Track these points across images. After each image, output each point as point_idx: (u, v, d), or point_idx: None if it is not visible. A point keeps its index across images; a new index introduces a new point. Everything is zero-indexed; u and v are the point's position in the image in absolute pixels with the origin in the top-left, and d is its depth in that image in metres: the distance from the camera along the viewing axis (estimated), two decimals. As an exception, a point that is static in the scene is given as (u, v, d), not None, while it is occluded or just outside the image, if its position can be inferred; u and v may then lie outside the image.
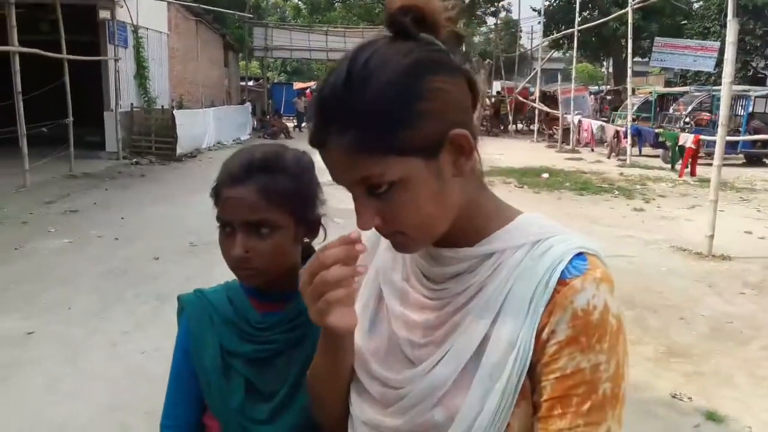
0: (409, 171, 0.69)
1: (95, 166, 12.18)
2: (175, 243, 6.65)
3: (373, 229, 0.94)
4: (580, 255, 0.73)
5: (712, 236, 6.62)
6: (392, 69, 0.68)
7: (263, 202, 1.06)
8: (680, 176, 12.43)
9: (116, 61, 13.66)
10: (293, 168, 1.12)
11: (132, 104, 14.60)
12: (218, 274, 4.83)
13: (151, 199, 9.27)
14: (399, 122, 0.68)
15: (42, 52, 10.24)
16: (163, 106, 15.59)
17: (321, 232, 1.19)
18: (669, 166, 14.29)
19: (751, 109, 16.65)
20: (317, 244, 1.24)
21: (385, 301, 0.88)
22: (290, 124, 25.03)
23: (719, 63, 22.61)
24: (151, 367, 3.74)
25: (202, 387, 1.15)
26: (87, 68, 12.92)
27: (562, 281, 0.72)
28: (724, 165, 7.35)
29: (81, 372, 3.69)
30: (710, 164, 12.39)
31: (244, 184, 1.07)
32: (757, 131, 15.64)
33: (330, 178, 0.76)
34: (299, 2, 41.55)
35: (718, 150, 6.91)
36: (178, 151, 14.47)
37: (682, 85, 26.57)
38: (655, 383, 3.70)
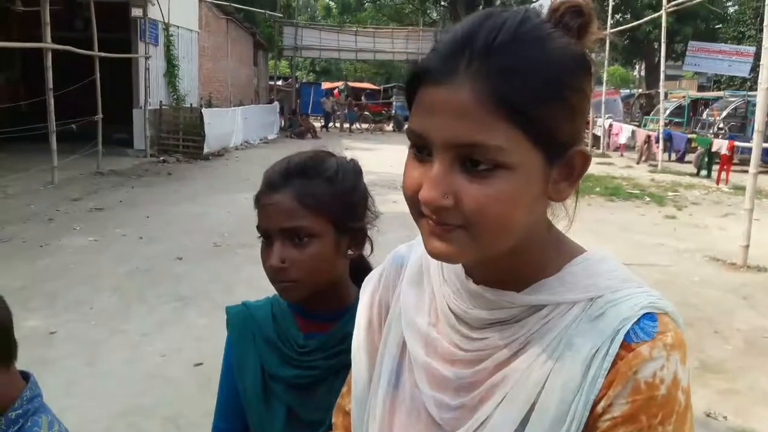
0: (527, 161, 0.58)
1: (123, 163, 12.32)
2: (199, 243, 6.66)
3: (396, 257, 0.84)
4: (648, 314, 0.62)
5: (747, 246, 6.40)
6: (562, 45, 0.60)
7: (299, 208, 1.01)
8: (717, 183, 12.11)
9: (147, 58, 13.81)
10: (333, 173, 1.06)
11: (161, 102, 14.75)
12: (245, 275, 4.81)
13: (177, 197, 9.32)
14: (551, 95, 0.58)
15: (74, 49, 10.37)
16: (191, 105, 15.73)
17: (368, 245, 1.11)
18: (703, 172, 13.93)
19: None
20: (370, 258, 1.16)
21: (407, 349, 0.75)
22: (317, 124, 25.10)
23: (754, 68, 22.15)
24: (170, 370, 3.72)
25: (244, 405, 1.12)
26: (117, 65, 13.10)
27: (626, 345, 0.61)
28: (759, 172, 7.10)
29: (100, 374, 3.67)
30: (743, 171, 12.19)
31: (280, 190, 1.03)
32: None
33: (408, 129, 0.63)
34: (330, 2, 41.71)
35: (755, 157, 6.68)
36: (206, 149, 14.58)
37: (716, 90, 26.03)
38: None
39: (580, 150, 0.62)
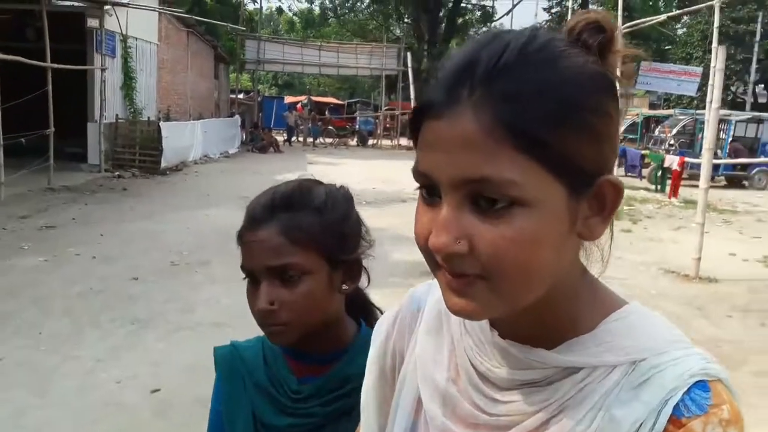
0: (547, 194, 0.51)
1: (75, 179, 11.95)
2: (156, 262, 6.48)
3: (413, 300, 0.76)
4: (700, 382, 0.54)
5: (699, 259, 6.63)
6: (578, 64, 0.54)
7: (286, 244, 0.93)
8: (669, 197, 12.52)
9: (103, 70, 13.50)
10: (322, 203, 0.98)
11: (117, 115, 14.40)
12: (205, 295, 4.69)
13: (133, 214, 9.08)
14: (567, 119, 0.51)
15: (24, 60, 10.06)
16: (149, 118, 15.42)
17: (364, 276, 1.04)
18: (656, 186, 14.40)
19: (732, 132, 16.85)
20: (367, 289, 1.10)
21: (423, 407, 0.66)
22: (280, 138, 24.94)
23: (701, 87, 23.08)
24: (126, 397, 3.59)
25: None
26: (72, 77, 12.73)
27: (675, 420, 0.53)
28: (709, 187, 7.38)
29: (51, 403, 3.51)
30: (693, 186, 12.63)
31: (265, 225, 0.95)
32: (736, 154, 15.86)
33: (416, 167, 0.56)
34: (293, 16, 41.68)
35: (705, 173, 6.93)
36: (163, 164, 14.28)
37: (665, 108, 26.99)
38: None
39: (609, 180, 0.55)
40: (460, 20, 31.65)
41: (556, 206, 0.52)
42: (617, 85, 0.58)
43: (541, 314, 0.58)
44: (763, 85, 32.52)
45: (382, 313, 1.10)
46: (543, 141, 0.50)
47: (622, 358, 0.57)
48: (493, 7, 32.87)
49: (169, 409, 3.53)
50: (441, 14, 30.07)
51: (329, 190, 1.02)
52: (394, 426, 0.69)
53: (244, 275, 0.98)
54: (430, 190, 0.55)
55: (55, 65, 11.36)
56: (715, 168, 14.72)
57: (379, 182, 13.12)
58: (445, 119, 0.52)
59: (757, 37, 27.05)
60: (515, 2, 28.38)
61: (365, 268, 1.04)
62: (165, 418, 3.45)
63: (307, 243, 0.94)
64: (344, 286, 1.01)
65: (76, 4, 13.17)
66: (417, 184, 0.56)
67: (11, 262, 6.21)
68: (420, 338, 0.70)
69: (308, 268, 0.94)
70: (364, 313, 1.10)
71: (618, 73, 0.58)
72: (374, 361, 0.76)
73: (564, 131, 0.51)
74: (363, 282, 1.05)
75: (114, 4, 13.37)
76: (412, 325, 0.73)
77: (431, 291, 0.73)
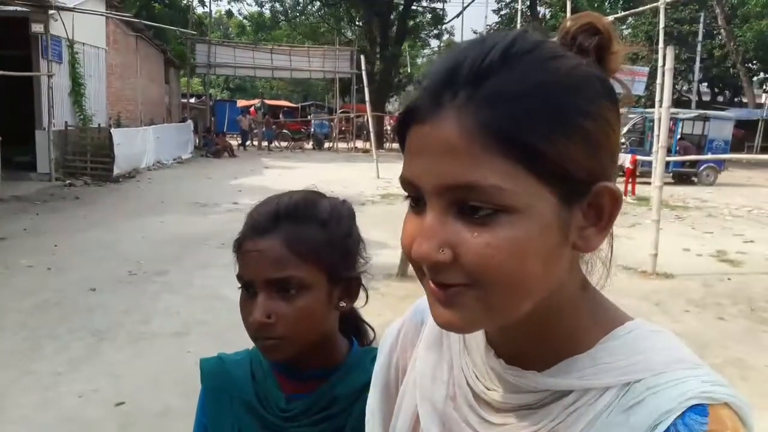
0: (535, 201, 0.49)
1: (25, 188, 11.52)
2: (112, 271, 6.29)
3: (416, 312, 0.74)
4: (698, 406, 0.50)
5: (655, 255, 6.81)
6: (569, 66, 0.51)
7: (290, 256, 0.90)
8: (624, 195, 12.87)
9: (50, 77, 13.04)
10: (327, 216, 0.95)
11: (66, 122, 13.95)
12: (163, 305, 4.60)
13: (87, 224, 8.79)
14: (556, 123, 0.49)
15: (-33, 68, 9.65)
16: (99, 125, 15.00)
17: (362, 294, 1.02)
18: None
19: (680, 130, 17.48)
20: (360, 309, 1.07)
21: (421, 426, 0.65)
22: (234, 143, 24.61)
23: (648, 86, 23.85)
24: (89, 412, 3.46)
25: None
26: (17, 84, 12.28)
27: None
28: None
29: (9, 420, 3.36)
30: (644, 183, 13.05)
31: (268, 235, 0.91)
32: (686, 151, 16.46)
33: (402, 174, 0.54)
34: (243, 20, 41.21)
35: (659, 171, 7.15)
36: (116, 171, 13.91)
37: (616, 107, 27.86)
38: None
39: (607, 187, 0.52)
40: (411, 23, 31.88)
41: (545, 214, 0.50)
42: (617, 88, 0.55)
43: (537, 330, 0.56)
44: (706, 84, 33.90)
45: (374, 332, 1.11)
46: (530, 146, 0.48)
47: (615, 379, 0.54)
48: (443, 9, 33.20)
49: (134, 422, 3.42)
50: (392, 17, 30.23)
51: (334, 204, 0.99)
52: None
53: (239, 285, 0.94)
54: (416, 198, 0.53)
55: (0, 72, 10.93)
56: (665, 165, 15.24)
57: (338, 185, 13.06)
58: (428, 124, 0.50)
59: (700, 37, 28.18)
60: (465, 4, 28.75)
61: (364, 287, 1.01)
62: (130, 431, 3.35)
63: (310, 257, 0.91)
64: (342, 303, 0.98)
65: (19, 8, 12.70)
66: (405, 193, 0.54)
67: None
68: (420, 354, 0.68)
69: (309, 282, 0.91)
70: (357, 331, 1.09)
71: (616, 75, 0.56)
72: (379, 374, 0.74)
73: (553, 136, 0.49)
74: (360, 301, 1.03)
75: (59, 9, 12.95)
76: (414, 339, 0.72)
77: None
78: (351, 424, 0.94)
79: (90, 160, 13.81)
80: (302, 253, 0.91)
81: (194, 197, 11.40)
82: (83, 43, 14.92)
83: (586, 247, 0.54)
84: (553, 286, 0.53)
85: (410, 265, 0.56)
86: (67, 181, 12.89)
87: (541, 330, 0.56)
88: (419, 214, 0.53)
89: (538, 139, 0.48)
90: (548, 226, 0.50)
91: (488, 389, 0.60)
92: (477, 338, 0.63)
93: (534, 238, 0.49)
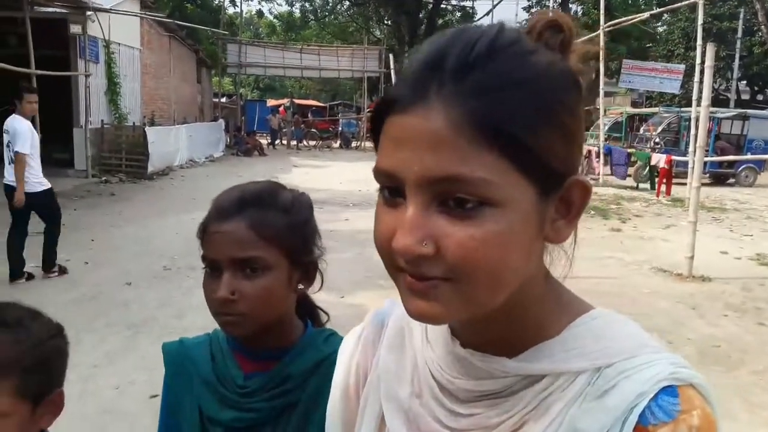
0: (518, 194, 0.49)
1: (63, 184, 11.77)
2: (147, 267, 6.42)
3: (377, 316, 0.74)
4: (669, 388, 0.51)
5: (692, 257, 6.65)
6: (549, 61, 0.52)
7: (254, 238, 0.97)
8: (657, 196, 12.64)
9: (87, 76, 13.35)
10: (289, 204, 1.03)
11: (102, 121, 14.27)
12: (197, 299, 4.62)
13: (122, 220, 8.98)
14: (540, 117, 0.49)
15: (9, 67, 9.90)
16: (134, 123, 15.30)
17: (318, 280, 1.09)
18: (643, 185, 14.52)
19: (717, 130, 17.07)
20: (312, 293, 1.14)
21: (387, 426, 0.64)
22: (263, 142, 24.85)
23: (684, 85, 23.34)
24: (125, 404, 3.53)
25: None
26: (56, 84, 12.58)
27: (641, 428, 0.50)
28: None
29: (49, 411, 3.45)
30: (679, 184, 12.78)
31: (233, 218, 0.98)
32: (723, 152, 16.07)
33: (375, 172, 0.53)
34: (274, 19, 41.57)
35: (697, 171, 6.99)
36: (150, 169, 14.17)
37: (647, 106, 27.26)
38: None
39: (579, 180, 0.53)
40: (440, 21, 31.80)
41: (526, 207, 0.50)
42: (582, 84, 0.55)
43: (503, 319, 0.56)
44: (745, 82, 33.01)
45: (327, 315, 1.18)
46: (517, 139, 0.48)
47: (586, 363, 0.54)
48: (473, 7, 33.05)
49: (169, 415, 3.47)
50: (421, 15, 30.18)
51: (295, 195, 1.07)
52: None
53: (203, 265, 1.01)
54: (392, 191, 0.52)
55: (40, 72, 11.22)
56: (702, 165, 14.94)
57: (364, 184, 13.09)
58: (412, 115, 0.49)
59: (739, 34, 27.45)
60: (495, 2, 28.51)
61: (321, 272, 1.08)
62: (166, 424, 3.40)
63: (272, 239, 0.98)
64: (300, 286, 1.05)
65: (58, 10, 13.02)
66: (378, 185, 0.53)
67: (3, 268, 6.10)
68: (382, 354, 0.68)
69: (271, 263, 0.97)
70: (311, 315, 1.16)
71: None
72: (339, 380, 0.74)
73: (538, 129, 0.49)
74: (316, 286, 1.09)
75: (96, 10, 13.23)
76: (375, 342, 0.71)
77: (394, 307, 0.71)
78: (304, 399, 1.01)
79: (125, 158, 14.11)
80: (266, 235, 0.97)
81: (226, 195, 11.53)
82: (119, 44, 15.24)
83: (556, 239, 0.55)
84: (526, 277, 0.54)
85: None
86: (103, 178, 13.19)
87: (509, 319, 0.56)
88: (396, 206, 0.51)
89: (525, 132, 0.48)
90: (528, 219, 0.51)
91: (454, 378, 0.59)
92: (440, 331, 0.62)
93: (516, 231, 0.50)
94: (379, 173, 0.52)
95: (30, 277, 5.84)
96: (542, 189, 0.51)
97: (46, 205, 5.94)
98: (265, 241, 0.97)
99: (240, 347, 1.06)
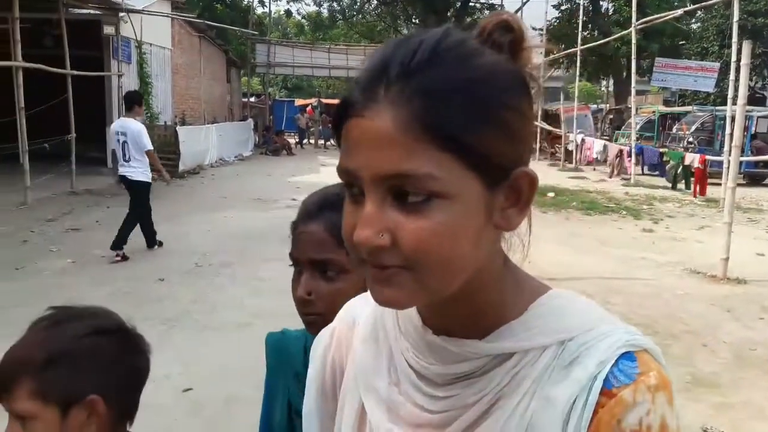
0: (464, 187, 0.53)
1: (97, 182, 12.06)
2: (180, 263, 6.53)
3: (347, 312, 0.77)
4: (627, 354, 0.57)
5: (726, 259, 6.52)
6: (491, 62, 0.55)
7: (331, 241, 0.98)
8: (693, 196, 12.39)
9: (119, 76, 13.61)
10: None
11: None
12: (229, 295, 4.71)
13: (155, 217, 9.04)
14: (481, 116, 0.53)
15: (46, 68, 10.16)
16: (165, 123, 15.53)
17: None
18: (680, 185, 14.22)
19: (753, 129, 16.65)
20: None
21: (367, 416, 0.67)
22: (292, 141, 25.03)
23: (719, 83, 22.81)
24: (159, 398, 3.58)
25: None
26: (89, 83, 12.85)
27: (606, 391, 0.55)
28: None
29: (86, 402, 3.53)
30: (713, 184, 12.50)
31: (313, 220, 1.02)
32: (759, 151, 15.66)
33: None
34: (302, 19, 41.82)
35: (732, 171, 6.84)
36: (181, 167, 14.35)
37: (680, 105, 26.71)
38: (683, 415, 3.55)
39: (525, 172, 0.57)
40: (468, 19, 31.60)
41: (473, 198, 0.54)
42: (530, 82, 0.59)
43: (467, 304, 0.60)
44: (782, 81, 32.11)
45: None
46: (458, 137, 0.52)
47: (550, 339, 0.59)
48: (501, 5, 32.73)
49: (201, 408, 3.54)
50: (449, 14, 30.05)
51: None
52: None
53: (290, 262, 1.04)
54: (354, 188, 0.56)
55: (74, 72, 11.47)
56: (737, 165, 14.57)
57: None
58: (363, 118, 0.53)
59: (775, 31, 26.73)
60: (524, 0, 28.24)
61: None
62: (197, 417, 3.46)
63: None
64: None
65: (92, 12, 13.29)
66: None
67: (41, 264, 6.28)
68: (358, 348, 0.71)
69: (346, 267, 0.99)
70: None
71: (528, 69, 0.59)
72: (313, 379, 0.76)
73: (478, 127, 0.53)
74: None
75: (128, 11, 13.47)
76: (349, 338, 0.73)
77: (367, 302, 0.73)
78: None
79: (157, 157, 14.29)
80: (341, 238, 0.96)
81: (255, 194, 11.66)
82: (150, 44, 15.49)
83: (508, 226, 0.58)
84: (480, 263, 0.58)
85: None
86: (135, 177, 13.39)
87: (472, 304, 0.60)
88: (357, 203, 0.56)
89: (465, 131, 0.52)
90: (475, 209, 0.55)
91: (430, 365, 0.62)
92: (412, 321, 0.65)
93: (464, 220, 0.54)
94: (340, 172, 0.57)
95: (160, 244, 7.11)
96: (487, 181, 0.55)
97: (141, 194, 6.98)
98: (340, 245, 0.97)
99: None
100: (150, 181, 7.05)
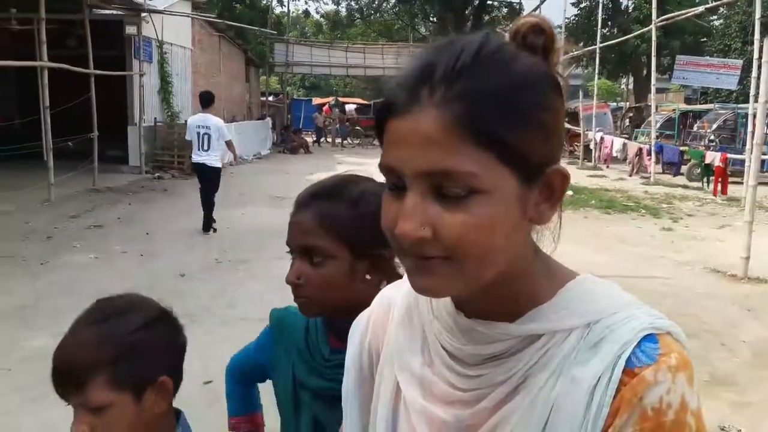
0: (502, 183, 0.57)
1: (118, 180, 12.26)
2: (200, 259, 6.62)
3: (382, 299, 0.81)
4: (649, 336, 0.60)
5: (747, 258, 6.44)
6: (528, 65, 0.60)
7: (316, 228, 1.05)
8: (714, 195, 12.22)
9: (141, 76, 13.80)
10: (357, 196, 1.08)
11: (155, 119, 14.72)
12: (248, 291, 4.76)
13: (175, 214, 9.27)
14: (520, 118, 0.57)
15: (70, 68, 10.34)
16: (186, 121, 15.65)
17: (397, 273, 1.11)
18: (697, 184, 14.06)
19: (777, 126, 16.36)
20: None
21: (402, 394, 0.71)
22: (309, 139, 25.15)
23: (742, 80, 22.44)
24: (181, 390, 3.66)
25: (278, 406, 1.23)
26: (112, 83, 13.06)
27: (629, 371, 0.58)
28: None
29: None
30: (735, 183, 12.33)
31: (304, 209, 1.08)
32: (782, 149, 15.38)
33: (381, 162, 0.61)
34: (320, 18, 41.96)
35: (754, 170, 6.76)
36: (200, 165, 14.50)
37: (702, 103, 26.33)
38: (701, 414, 3.55)
39: (558, 169, 0.61)
40: (486, 17, 31.45)
41: (510, 195, 0.58)
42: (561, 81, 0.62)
43: (501, 291, 0.63)
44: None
45: None
46: (499, 137, 0.56)
47: (577, 321, 0.62)
48: (520, 3, 32.51)
49: (220, 400, 3.58)
50: (467, 12, 29.93)
51: (367, 186, 1.11)
52: (377, 418, 0.73)
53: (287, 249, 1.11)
54: (395, 183, 0.59)
55: (97, 72, 11.65)
56: (761, 164, 14.34)
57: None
58: (407, 118, 0.57)
59: (798, 29, 26.22)
60: (544, -1, 28.02)
61: (396, 267, 1.08)
62: (217, 409, 3.50)
63: (332, 230, 1.04)
64: (368, 276, 1.08)
65: (115, 12, 13.49)
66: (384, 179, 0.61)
67: (65, 259, 6.41)
68: (393, 331, 0.75)
69: (332, 252, 1.04)
70: None
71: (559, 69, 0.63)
72: (351, 362, 0.81)
73: (517, 128, 0.56)
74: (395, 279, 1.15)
75: (150, 11, 13.65)
76: (384, 324, 0.78)
77: (400, 288, 0.78)
78: None
79: (177, 155, 14.48)
80: (326, 226, 1.04)
81: (273, 191, 11.75)
82: (171, 44, 15.67)
83: (540, 220, 0.62)
84: (514, 255, 0.62)
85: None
86: (156, 174, 13.61)
87: (505, 292, 0.64)
88: (399, 198, 0.59)
89: (506, 132, 0.56)
90: (511, 204, 0.58)
91: (462, 346, 0.66)
92: (446, 305, 0.69)
93: (501, 215, 0.57)
94: (383, 168, 0.60)
95: (215, 230, 7.96)
96: (524, 178, 0.58)
97: (216, 178, 8.02)
98: (325, 231, 1.04)
99: (330, 326, 1.15)
100: (220, 166, 8.03)
